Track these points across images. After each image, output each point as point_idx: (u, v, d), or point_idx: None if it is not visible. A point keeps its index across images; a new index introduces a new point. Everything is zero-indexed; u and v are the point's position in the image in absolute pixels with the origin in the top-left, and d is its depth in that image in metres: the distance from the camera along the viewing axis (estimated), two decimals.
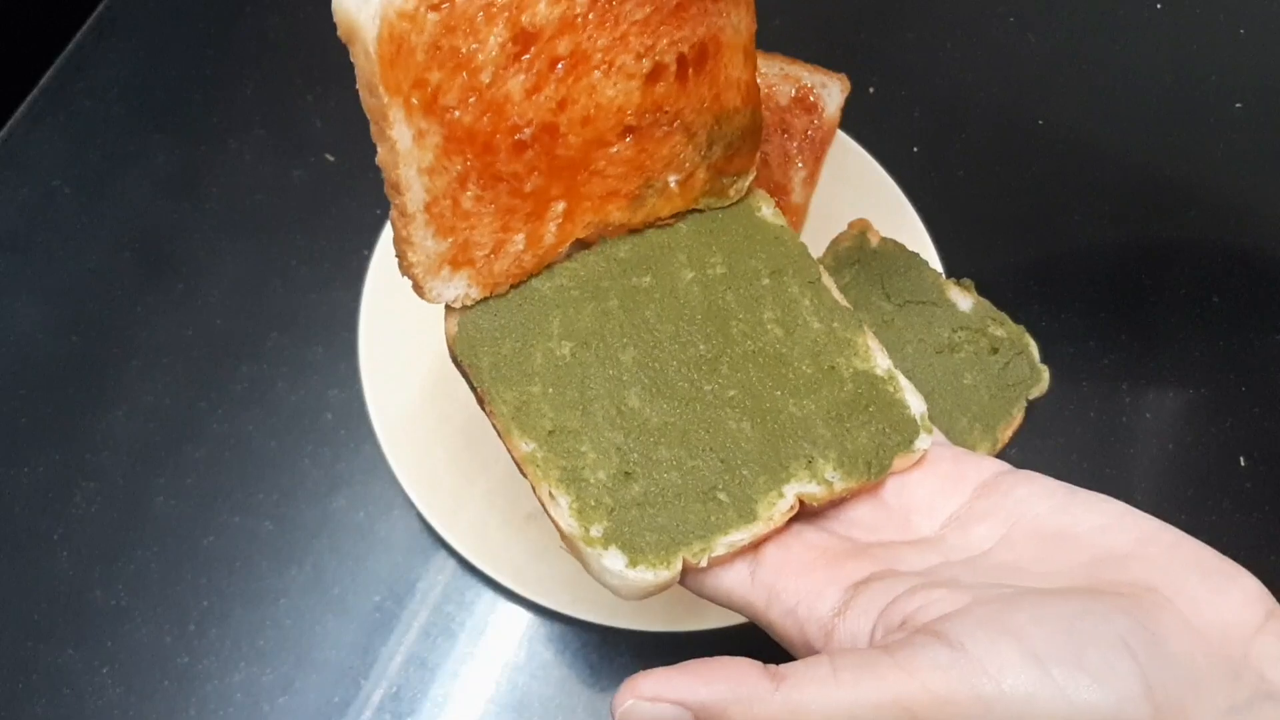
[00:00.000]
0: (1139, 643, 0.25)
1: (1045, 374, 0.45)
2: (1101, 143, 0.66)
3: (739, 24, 0.36)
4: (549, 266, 0.36)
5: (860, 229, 0.48)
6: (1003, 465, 0.33)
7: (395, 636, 0.50)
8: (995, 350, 0.45)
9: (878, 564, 0.31)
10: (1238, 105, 0.67)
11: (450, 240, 0.33)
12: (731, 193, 0.38)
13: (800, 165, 0.50)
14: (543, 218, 0.34)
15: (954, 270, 0.54)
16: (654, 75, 0.34)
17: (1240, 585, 0.27)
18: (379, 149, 0.31)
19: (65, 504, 0.52)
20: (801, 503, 0.32)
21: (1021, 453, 0.52)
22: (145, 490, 0.52)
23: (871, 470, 0.33)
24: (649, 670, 0.27)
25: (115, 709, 0.48)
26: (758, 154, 0.39)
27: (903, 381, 0.35)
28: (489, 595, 0.51)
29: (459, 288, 0.34)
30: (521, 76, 0.32)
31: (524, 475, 0.33)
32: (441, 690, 0.49)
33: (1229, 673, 0.26)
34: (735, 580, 0.32)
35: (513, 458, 0.33)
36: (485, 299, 0.35)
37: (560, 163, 0.34)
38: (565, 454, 0.32)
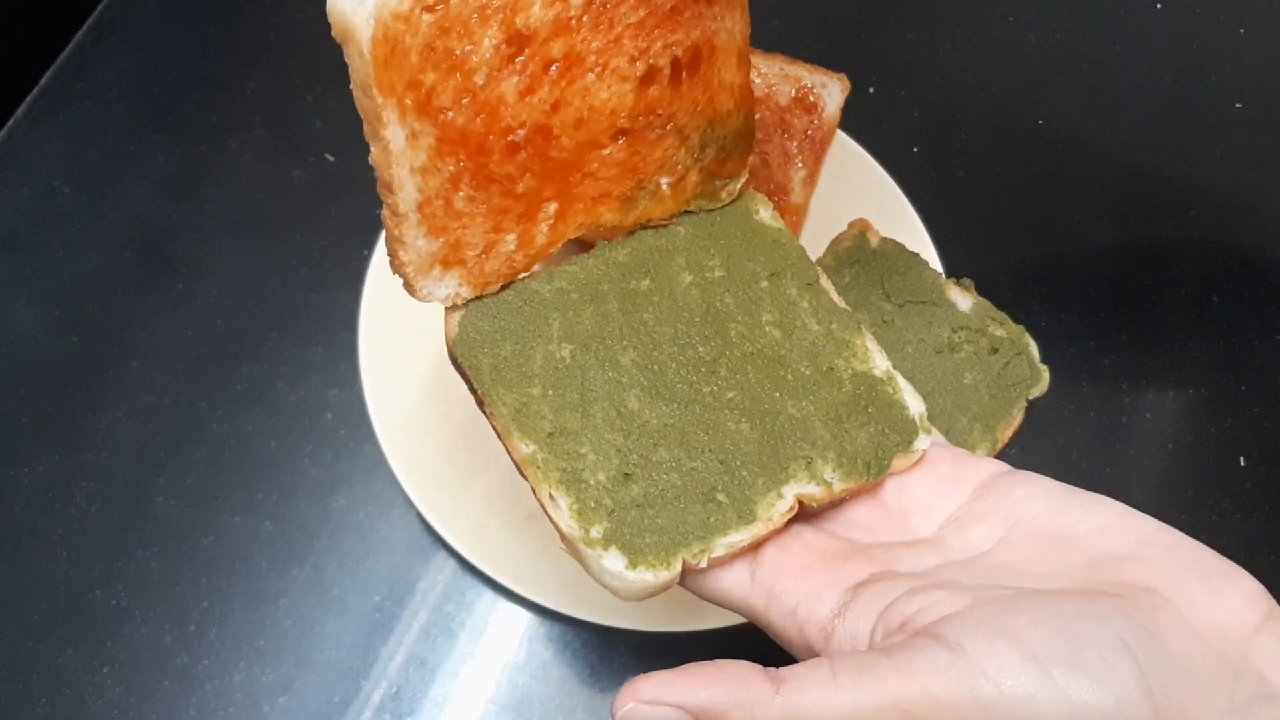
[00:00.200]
0: (1138, 644, 0.25)
1: (1045, 374, 0.45)
2: (1101, 143, 0.66)
3: (733, 28, 0.36)
4: (548, 270, 0.36)
5: (860, 229, 0.48)
6: (1002, 466, 0.33)
7: (395, 636, 0.50)
8: (995, 350, 0.45)
9: (877, 565, 0.31)
10: (1238, 105, 0.67)
11: (442, 240, 0.33)
12: (724, 195, 0.38)
13: (800, 165, 0.50)
14: (535, 219, 0.34)
15: (954, 270, 0.54)
16: (648, 78, 0.34)
17: (1239, 586, 0.27)
18: (372, 149, 0.31)
19: (65, 504, 0.52)
20: (801, 503, 0.32)
21: (1021, 453, 0.52)
22: (145, 490, 0.52)
23: (870, 471, 0.33)
24: (649, 673, 0.27)
25: (115, 709, 0.48)
26: (750, 157, 0.39)
27: (901, 382, 0.35)
28: (489, 595, 0.51)
29: (450, 287, 0.34)
30: (515, 78, 0.32)
31: (524, 477, 0.33)
32: (441, 690, 0.49)
33: (1228, 673, 0.26)
34: (735, 581, 0.32)
35: (513, 459, 0.33)
36: (478, 298, 0.35)
37: (553, 164, 0.34)
38: (565, 455, 0.32)
